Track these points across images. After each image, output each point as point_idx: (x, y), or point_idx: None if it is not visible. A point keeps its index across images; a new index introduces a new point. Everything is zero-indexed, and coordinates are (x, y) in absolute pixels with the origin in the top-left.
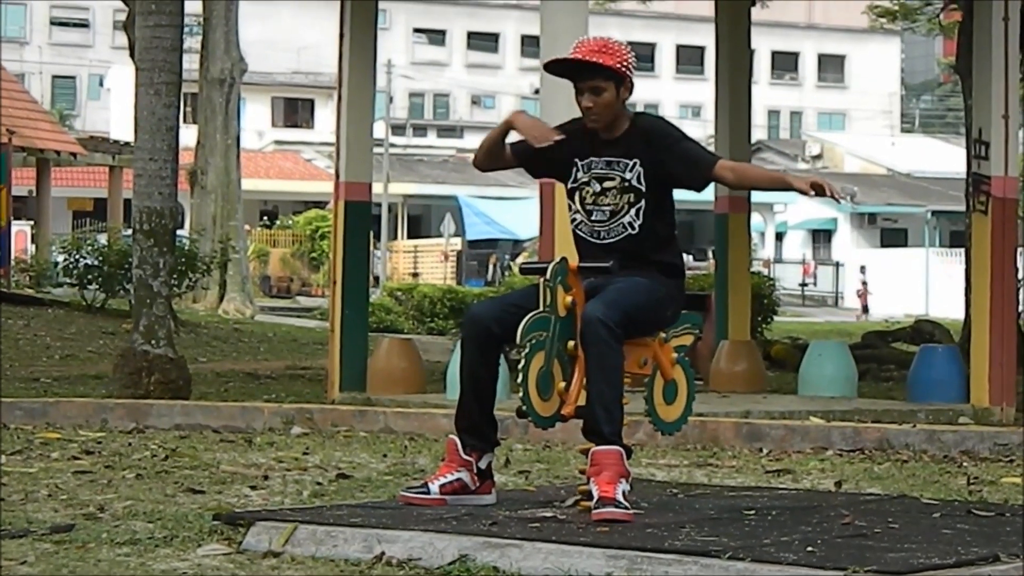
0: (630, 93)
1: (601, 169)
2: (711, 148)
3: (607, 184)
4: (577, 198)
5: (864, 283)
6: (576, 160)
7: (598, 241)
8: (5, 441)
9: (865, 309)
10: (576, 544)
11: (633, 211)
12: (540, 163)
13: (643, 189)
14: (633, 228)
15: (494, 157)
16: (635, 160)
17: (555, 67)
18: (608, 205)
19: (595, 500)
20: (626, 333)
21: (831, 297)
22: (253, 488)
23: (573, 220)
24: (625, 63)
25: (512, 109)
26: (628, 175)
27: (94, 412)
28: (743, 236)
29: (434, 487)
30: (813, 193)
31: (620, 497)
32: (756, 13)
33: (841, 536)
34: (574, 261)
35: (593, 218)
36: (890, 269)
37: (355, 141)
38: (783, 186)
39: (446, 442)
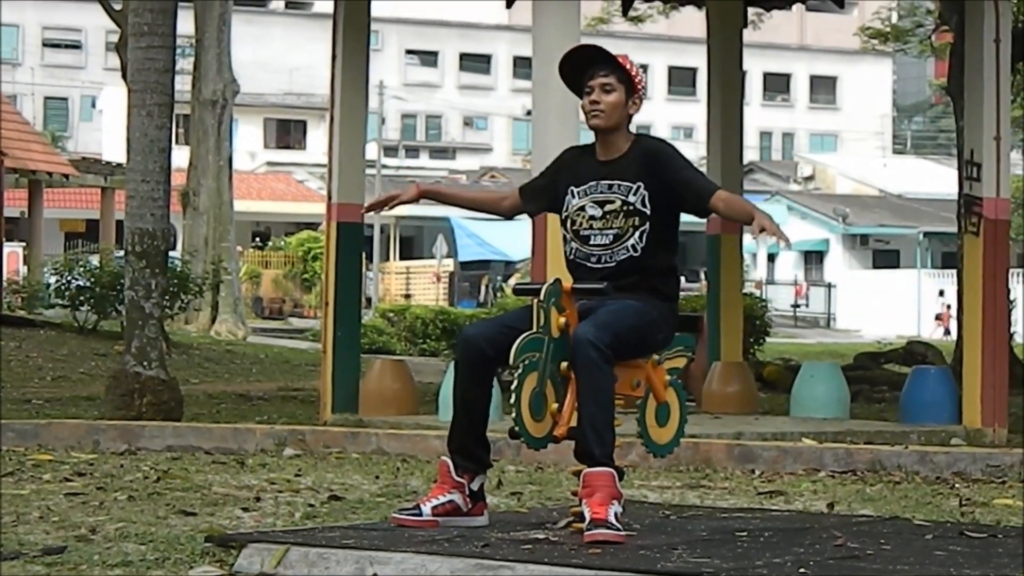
0: (637, 109)
1: (602, 192)
2: (703, 170)
3: (608, 208)
4: (570, 225)
5: (948, 307)
6: (571, 188)
7: (597, 266)
8: None
9: (947, 332)
10: (568, 566)
11: (637, 234)
12: (538, 199)
13: (648, 212)
14: (635, 251)
15: (486, 209)
16: (639, 183)
17: (567, 68)
18: (612, 229)
19: (587, 522)
20: (617, 355)
21: (823, 318)
22: (245, 510)
23: (567, 252)
24: (639, 76)
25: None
26: (632, 198)
27: (86, 433)
28: (735, 257)
29: (426, 509)
30: (758, 231)
31: (612, 519)
32: (748, 34)
33: (833, 558)
34: (568, 283)
35: (592, 243)
36: (882, 290)
37: (347, 162)
38: (747, 218)
39: (439, 464)
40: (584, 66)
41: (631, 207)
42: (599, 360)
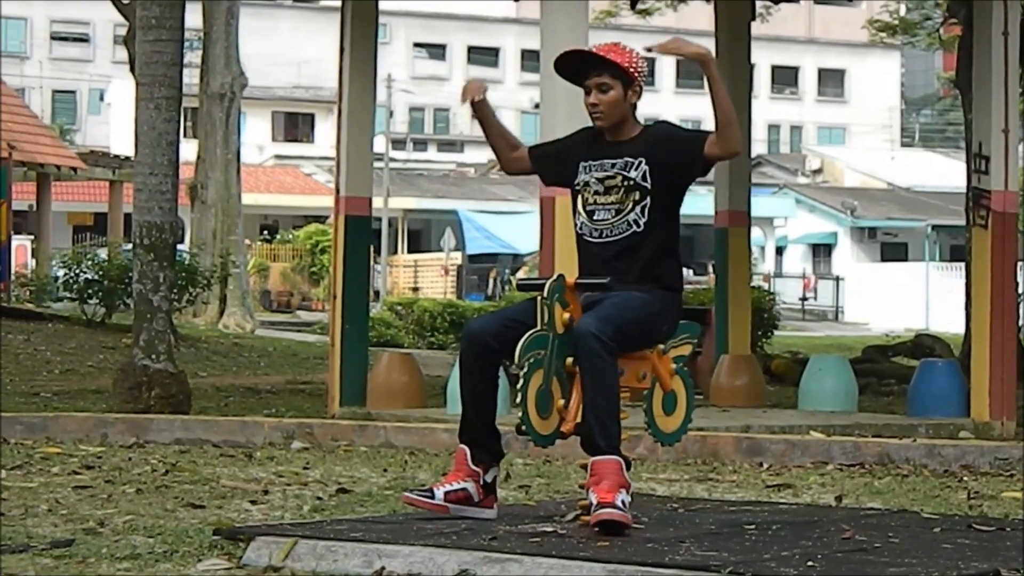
0: (638, 97)
1: (604, 169)
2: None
3: (609, 183)
4: (580, 201)
5: None
6: (581, 164)
7: (600, 240)
8: (5, 456)
9: None
10: (576, 559)
11: (639, 208)
12: (550, 168)
13: (648, 187)
14: (638, 225)
15: (499, 150)
16: (640, 159)
17: (563, 68)
18: (613, 204)
19: (594, 505)
20: (620, 347)
21: (831, 311)
22: (253, 503)
23: (576, 225)
24: (633, 65)
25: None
26: (633, 173)
27: (94, 427)
28: (743, 250)
29: (439, 492)
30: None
31: (619, 503)
32: (756, 27)
33: (842, 551)
34: (572, 277)
35: (596, 218)
36: (890, 283)
37: (355, 155)
38: (714, 83)
39: (456, 451)
40: (579, 65)
41: (631, 182)
42: (602, 351)
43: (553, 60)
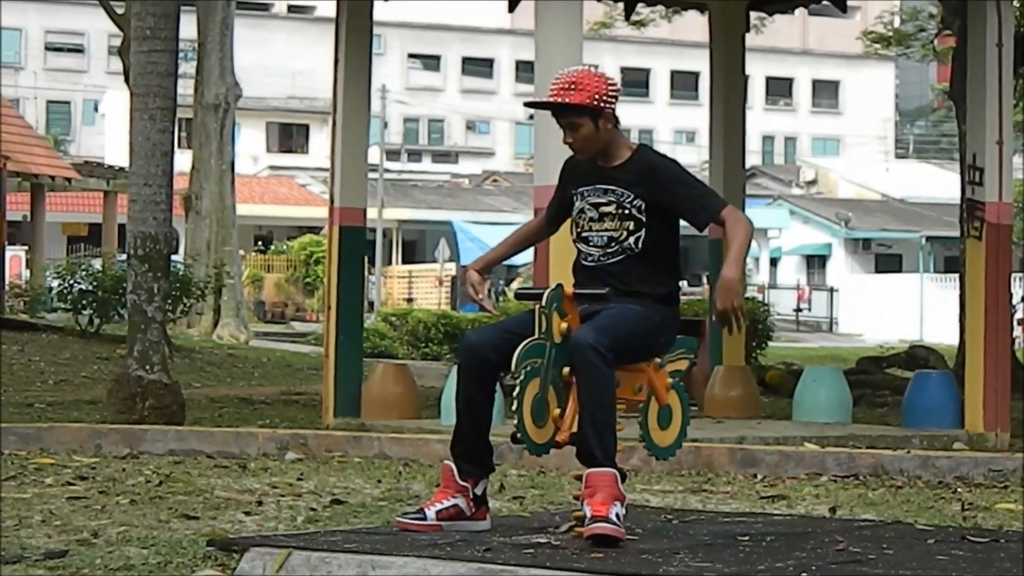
0: (612, 121)
1: (598, 196)
2: (705, 174)
3: (604, 209)
4: (574, 227)
5: None
6: (575, 192)
7: (595, 264)
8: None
9: None
10: (570, 570)
11: (632, 238)
12: (564, 217)
13: (644, 220)
14: (632, 252)
15: (535, 244)
16: (634, 193)
17: (535, 105)
18: (607, 231)
19: (588, 519)
20: (617, 358)
21: (825, 323)
22: (247, 514)
23: (577, 250)
24: (597, 95)
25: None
26: (627, 204)
27: (88, 437)
28: None
29: (430, 513)
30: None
31: (613, 517)
32: (750, 39)
33: (836, 562)
34: (570, 288)
35: (592, 244)
36: (884, 295)
37: (350, 166)
38: (731, 266)
39: (442, 468)
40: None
41: (625, 211)
42: (599, 362)
43: (524, 104)
